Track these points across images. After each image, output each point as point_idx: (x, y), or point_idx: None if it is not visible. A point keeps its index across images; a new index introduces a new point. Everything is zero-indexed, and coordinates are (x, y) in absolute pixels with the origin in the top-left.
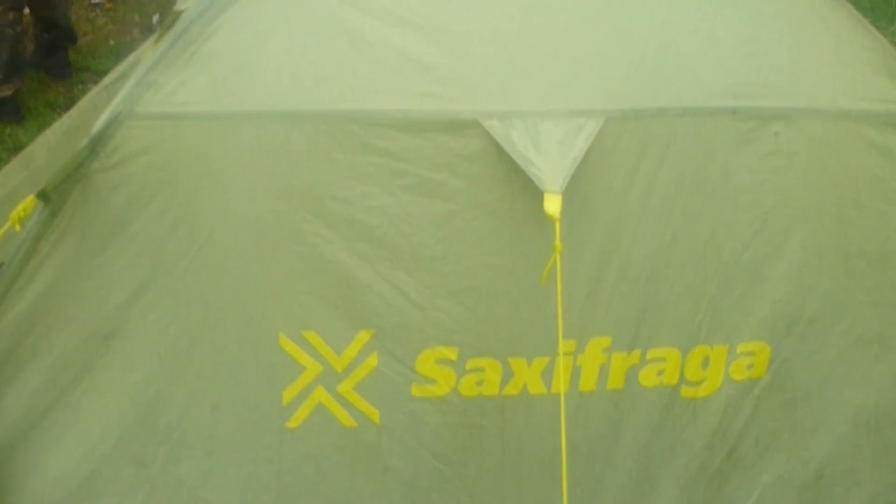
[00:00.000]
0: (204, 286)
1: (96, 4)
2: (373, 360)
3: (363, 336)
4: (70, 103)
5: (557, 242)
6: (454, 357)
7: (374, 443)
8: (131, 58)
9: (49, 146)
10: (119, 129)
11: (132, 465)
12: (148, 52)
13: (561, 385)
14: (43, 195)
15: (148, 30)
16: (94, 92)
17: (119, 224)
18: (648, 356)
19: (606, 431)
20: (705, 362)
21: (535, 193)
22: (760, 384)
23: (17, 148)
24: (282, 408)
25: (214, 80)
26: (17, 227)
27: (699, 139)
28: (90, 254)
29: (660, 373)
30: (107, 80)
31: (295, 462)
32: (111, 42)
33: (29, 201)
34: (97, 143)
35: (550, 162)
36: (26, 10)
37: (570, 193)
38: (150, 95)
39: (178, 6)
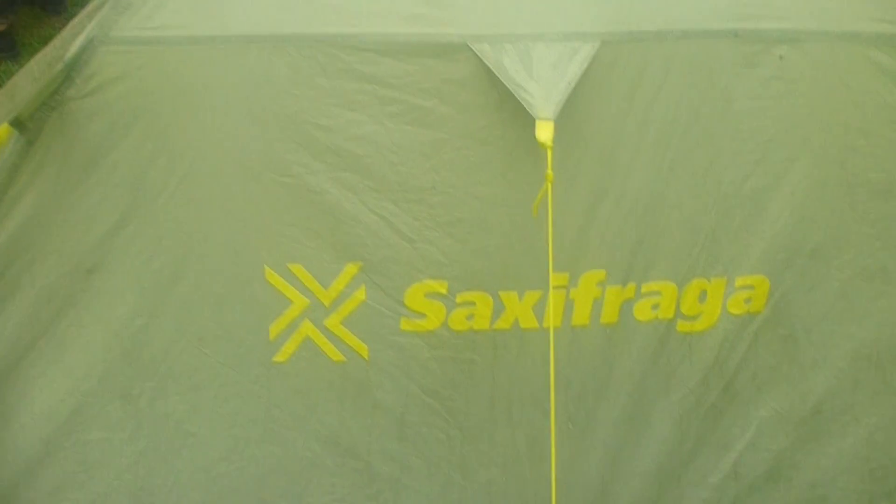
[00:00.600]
0: (186, 218)
1: None
2: (360, 294)
3: (350, 269)
4: None
5: (549, 171)
6: (444, 291)
7: (362, 378)
8: None
9: (33, 77)
10: (94, 55)
11: (118, 399)
12: None
13: (551, 319)
14: (17, 123)
15: None
16: (78, 19)
17: (98, 153)
18: (643, 289)
19: (599, 366)
20: (702, 296)
21: (527, 121)
22: (759, 318)
23: None
24: (269, 342)
25: (193, 3)
26: None
27: (699, 64)
28: (70, 184)
29: (655, 306)
30: (91, 5)
31: (283, 397)
32: None
33: (2, 130)
34: (72, 70)
35: (543, 87)
36: None
37: (563, 120)
38: (125, 19)
39: None
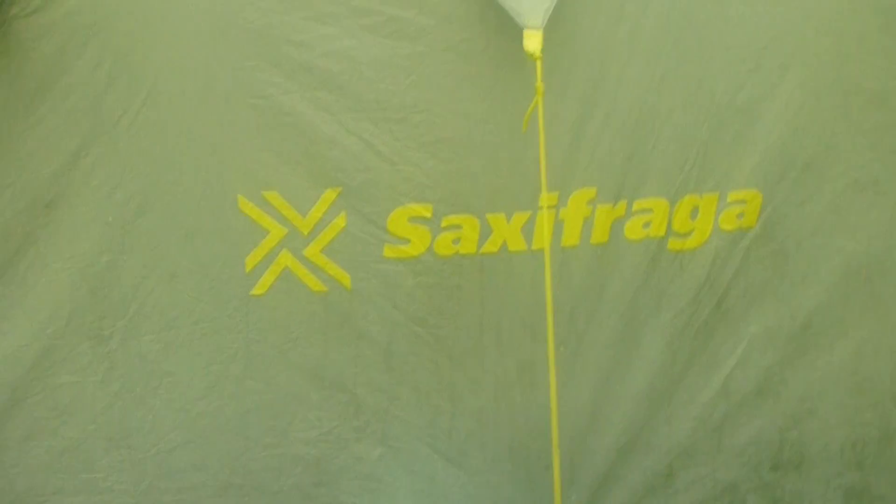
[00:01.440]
0: (151, 145)
1: None
2: (340, 221)
3: (329, 195)
4: None
5: (539, 83)
6: (428, 214)
7: (345, 308)
8: None
9: None
10: None
11: (88, 340)
12: None
13: (545, 239)
14: None
15: None
16: None
17: (49, 78)
18: (634, 207)
19: (590, 287)
20: (694, 212)
21: (513, 31)
22: (750, 234)
23: None
24: (245, 275)
25: None
26: None
27: None
28: (21, 112)
29: (646, 224)
30: None
31: (263, 330)
32: None
33: None
34: None
35: None
36: None
37: (551, 30)
38: None
39: None
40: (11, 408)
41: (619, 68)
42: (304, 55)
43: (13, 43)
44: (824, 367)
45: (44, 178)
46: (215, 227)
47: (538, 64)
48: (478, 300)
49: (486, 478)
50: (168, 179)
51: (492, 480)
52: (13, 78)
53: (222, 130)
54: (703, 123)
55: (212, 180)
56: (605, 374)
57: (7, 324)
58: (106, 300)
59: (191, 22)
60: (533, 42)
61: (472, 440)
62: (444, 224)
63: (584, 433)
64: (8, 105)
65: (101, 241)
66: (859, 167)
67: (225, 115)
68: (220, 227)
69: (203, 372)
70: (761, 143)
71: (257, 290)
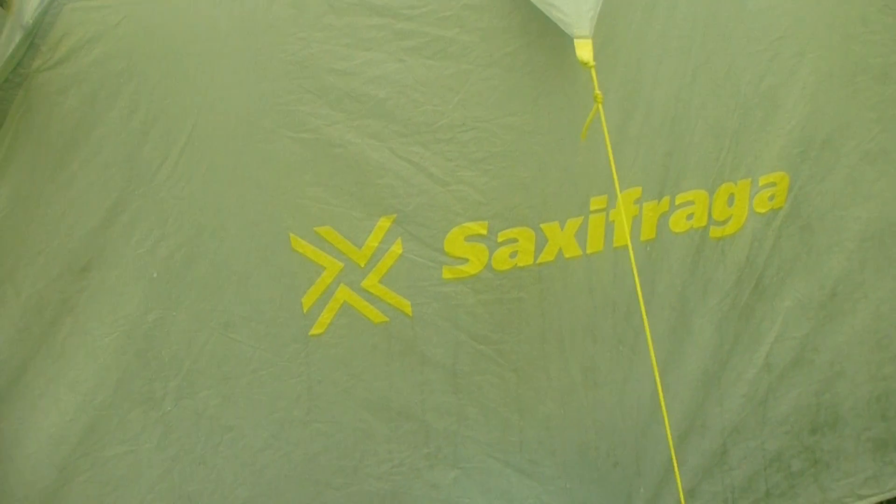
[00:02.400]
0: (194, 192)
1: None
2: (397, 248)
3: (384, 223)
4: None
5: (597, 91)
6: (484, 231)
7: (408, 335)
8: None
9: None
10: (60, 16)
11: (139, 406)
12: None
13: (626, 236)
14: None
15: None
16: None
17: (78, 132)
18: (677, 201)
19: (643, 284)
20: (730, 199)
21: (554, 41)
22: (781, 213)
23: None
24: (303, 315)
25: None
26: None
27: None
28: (49, 172)
29: (689, 216)
30: None
31: (325, 370)
32: None
33: None
34: (34, 36)
35: (574, 4)
36: None
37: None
38: None
39: None
40: (59, 489)
41: (654, 67)
42: (348, 83)
43: (37, 98)
44: (849, 330)
45: (78, 240)
46: (268, 269)
47: (593, 72)
48: (538, 310)
49: (559, 484)
50: (214, 226)
51: (565, 486)
52: (40, 135)
53: (268, 169)
54: (732, 113)
55: (261, 221)
56: (662, 365)
57: (48, 401)
58: (156, 361)
59: (228, 60)
60: (585, 51)
61: (542, 449)
62: (500, 239)
63: (646, 425)
64: (36, 165)
65: (146, 299)
66: (869, 140)
67: (270, 152)
68: (274, 269)
69: (266, 421)
70: (785, 126)
71: (316, 330)
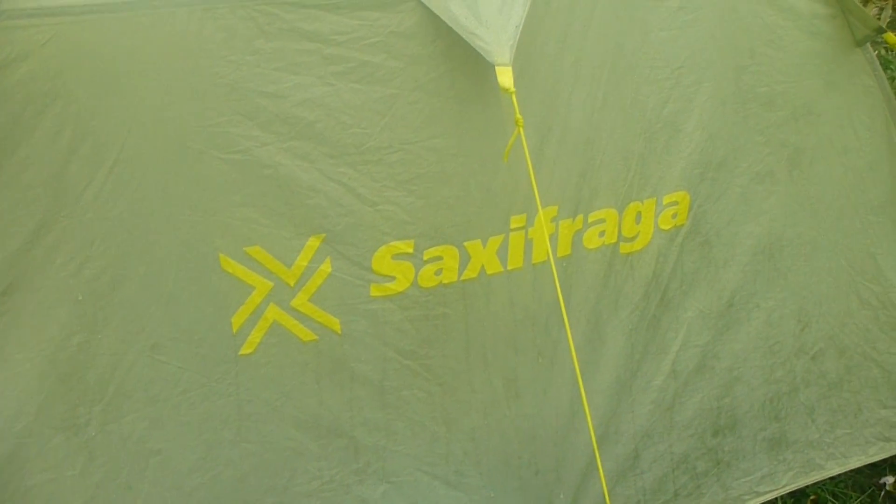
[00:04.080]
0: (122, 213)
1: None
2: (326, 267)
3: (313, 242)
4: None
5: (518, 115)
6: (410, 250)
7: (337, 352)
8: None
9: None
10: None
11: (62, 432)
12: None
13: (550, 252)
14: None
15: None
16: None
17: (2, 152)
18: (590, 219)
19: (559, 297)
20: (638, 217)
21: (475, 68)
22: (683, 230)
23: None
24: (232, 335)
25: None
26: None
27: (619, 0)
28: None
29: (601, 233)
30: None
31: (255, 389)
32: None
33: None
34: None
35: (494, 33)
36: None
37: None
38: None
39: None
40: None
41: (568, 94)
42: (278, 106)
43: None
44: (745, 337)
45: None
46: (197, 290)
47: (514, 98)
48: (462, 325)
49: (484, 493)
50: (143, 247)
51: (489, 495)
52: None
53: (198, 190)
54: (638, 137)
55: (190, 242)
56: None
57: None
58: (80, 385)
59: (158, 81)
60: (506, 78)
61: (467, 460)
62: (426, 257)
63: (565, 433)
64: None
65: (70, 322)
66: (758, 161)
67: (200, 173)
68: (203, 290)
69: (194, 443)
70: (685, 149)
71: (246, 349)
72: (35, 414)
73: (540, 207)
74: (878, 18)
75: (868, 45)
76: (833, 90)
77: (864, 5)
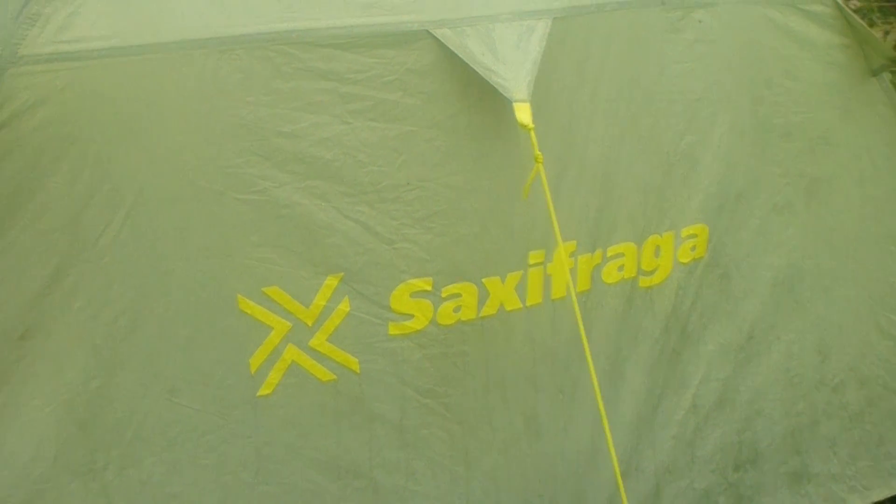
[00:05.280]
0: (139, 256)
1: None
2: (344, 306)
3: (331, 282)
4: None
5: (537, 152)
6: (429, 287)
7: (356, 392)
8: None
9: None
10: (2, 80)
11: (80, 477)
12: None
13: (572, 287)
14: None
15: None
16: None
17: (19, 198)
18: (609, 253)
19: (579, 333)
20: (657, 251)
21: (492, 104)
22: (702, 263)
23: None
24: (250, 376)
25: (115, 7)
26: None
27: (634, 33)
28: None
29: (620, 268)
30: None
31: (273, 431)
32: None
33: None
34: None
35: (512, 69)
36: None
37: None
38: (35, 33)
39: None
40: None
41: (585, 128)
42: (295, 146)
43: None
44: (765, 370)
45: (16, 308)
46: (215, 331)
47: (532, 134)
48: (482, 363)
49: None
50: (160, 290)
51: None
52: None
53: (215, 231)
54: (656, 170)
55: (207, 284)
56: (599, 412)
57: None
58: (97, 430)
59: (176, 123)
60: (524, 114)
61: (487, 500)
62: (444, 294)
63: (585, 470)
64: None
65: (88, 366)
66: (776, 193)
67: (217, 214)
68: (220, 331)
69: (213, 486)
70: (703, 182)
71: (264, 391)
72: (52, 459)
73: (560, 243)
74: (884, 40)
75: (883, 73)
76: (849, 120)
77: (870, 28)
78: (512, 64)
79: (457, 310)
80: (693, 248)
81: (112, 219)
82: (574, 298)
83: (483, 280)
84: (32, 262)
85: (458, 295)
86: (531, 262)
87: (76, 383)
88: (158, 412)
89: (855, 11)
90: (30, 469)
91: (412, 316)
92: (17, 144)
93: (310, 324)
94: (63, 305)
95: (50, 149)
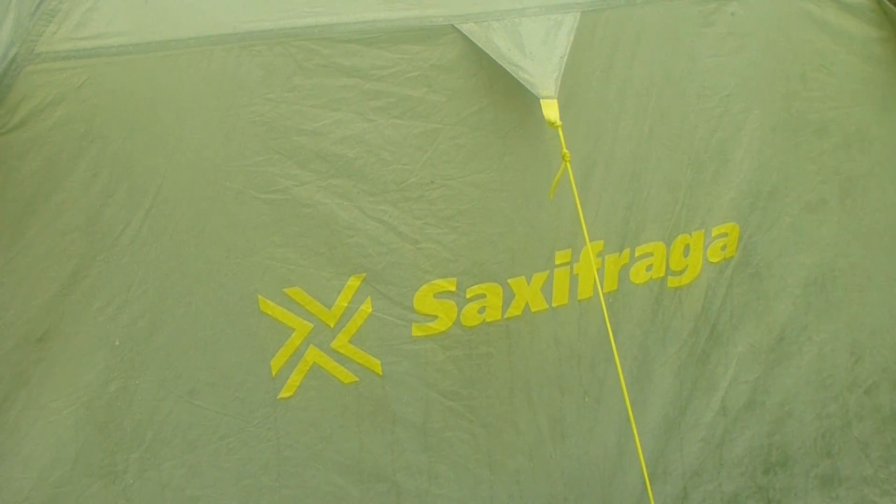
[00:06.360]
0: (158, 256)
1: None
2: (367, 307)
3: (353, 282)
4: None
5: (564, 150)
6: (453, 288)
7: (378, 394)
8: None
9: None
10: (19, 77)
11: (100, 480)
12: None
13: (600, 288)
14: None
15: None
16: None
17: (37, 197)
18: (637, 253)
19: (605, 335)
20: (686, 250)
21: (518, 101)
22: (732, 262)
23: None
24: (272, 378)
25: (133, 2)
26: None
27: (665, 26)
28: (4, 240)
29: (648, 268)
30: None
31: (294, 433)
32: None
33: None
34: None
35: (539, 64)
36: None
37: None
38: (52, 29)
39: None
40: None
41: (613, 125)
42: (317, 143)
43: None
44: (796, 371)
45: (35, 309)
46: (235, 333)
47: (560, 131)
48: (507, 365)
49: None
50: (180, 290)
51: None
52: None
53: (236, 230)
54: (686, 168)
55: (228, 284)
56: (626, 414)
57: (2, 479)
58: (117, 432)
59: (195, 121)
60: (552, 111)
61: (511, 503)
62: (468, 295)
63: (612, 474)
64: None
65: (107, 368)
66: (810, 190)
67: (238, 214)
68: (241, 333)
69: (233, 489)
70: (734, 179)
71: (285, 393)
72: (72, 462)
73: (588, 242)
74: None
75: None
76: (886, 115)
77: None
78: (539, 59)
79: (481, 311)
80: (723, 248)
81: (131, 218)
82: (602, 299)
83: (508, 280)
84: (51, 262)
85: (483, 296)
86: (558, 262)
87: (95, 385)
88: (178, 414)
89: (892, 1)
90: (49, 471)
91: (436, 317)
92: (35, 143)
93: (332, 325)
94: (82, 306)
95: (68, 147)
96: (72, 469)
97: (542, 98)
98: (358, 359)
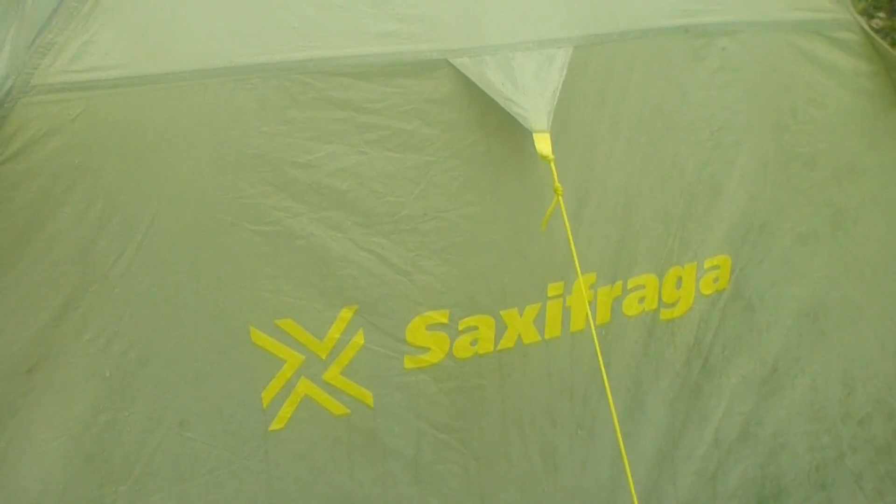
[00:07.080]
0: (150, 287)
1: None
2: (359, 339)
3: (345, 314)
4: None
5: (557, 184)
6: (445, 320)
7: (369, 426)
8: None
9: None
10: (14, 109)
11: None
12: None
13: (592, 320)
14: None
15: None
16: None
17: (29, 228)
18: (629, 285)
19: (598, 367)
20: (678, 282)
21: (511, 134)
22: (725, 294)
23: None
24: (262, 410)
25: (129, 35)
26: None
27: (657, 61)
28: None
29: (641, 300)
30: None
31: (285, 466)
32: None
33: None
34: None
35: (531, 98)
36: None
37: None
38: (48, 62)
39: None
40: None
41: (605, 158)
42: (311, 176)
43: None
44: (789, 403)
45: (25, 340)
46: (227, 364)
47: (552, 165)
48: (499, 397)
49: None
50: (171, 321)
51: None
52: None
53: (228, 262)
54: (678, 200)
55: (220, 316)
56: (618, 447)
57: None
58: (106, 464)
59: (189, 153)
60: (544, 145)
61: None
62: (461, 327)
63: None
64: None
65: (97, 399)
66: (801, 223)
67: (230, 245)
68: (232, 364)
69: None
70: (726, 212)
71: (276, 425)
72: (60, 494)
73: (580, 275)
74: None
75: None
76: (876, 148)
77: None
78: (532, 93)
79: (474, 343)
80: (716, 280)
81: (124, 250)
82: (594, 331)
83: (501, 312)
84: (42, 293)
85: (476, 328)
86: (550, 294)
87: (85, 416)
88: (168, 446)
89: (877, 31)
90: None
91: (428, 349)
92: (29, 174)
93: (323, 357)
94: (72, 337)
95: (62, 179)
96: (59, 501)
97: (535, 132)
98: (349, 391)
